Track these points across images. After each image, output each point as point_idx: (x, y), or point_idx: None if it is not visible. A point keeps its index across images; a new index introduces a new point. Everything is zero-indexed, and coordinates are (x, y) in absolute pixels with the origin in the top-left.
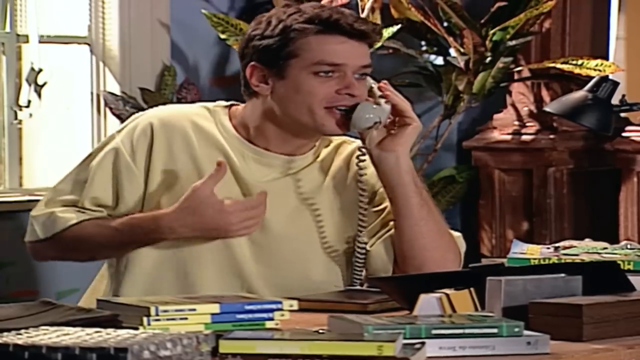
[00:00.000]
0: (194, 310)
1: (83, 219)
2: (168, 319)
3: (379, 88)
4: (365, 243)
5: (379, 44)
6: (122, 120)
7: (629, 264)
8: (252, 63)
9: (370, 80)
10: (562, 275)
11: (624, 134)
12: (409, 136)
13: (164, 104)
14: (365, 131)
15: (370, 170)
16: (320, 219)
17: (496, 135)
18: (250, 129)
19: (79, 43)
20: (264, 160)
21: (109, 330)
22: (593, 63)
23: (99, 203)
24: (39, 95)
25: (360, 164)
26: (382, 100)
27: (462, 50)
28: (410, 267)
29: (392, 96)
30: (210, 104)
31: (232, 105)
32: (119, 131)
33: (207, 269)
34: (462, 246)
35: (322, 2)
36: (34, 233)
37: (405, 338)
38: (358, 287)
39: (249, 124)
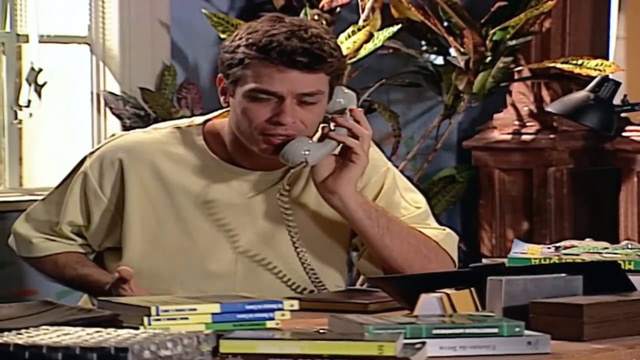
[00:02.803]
0: (195, 310)
1: (56, 251)
2: (169, 319)
3: (333, 120)
4: (310, 265)
5: (379, 44)
6: (122, 120)
7: (629, 264)
8: (219, 75)
9: (349, 100)
10: (563, 275)
11: (624, 134)
12: (353, 175)
13: (164, 104)
14: (294, 166)
15: None
16: (308, 226)
17: (496, 135)
18: (227, 144)
19: (79, 43)
20: (242, 178)
21: (110, 330)
22: (593, 63)
23: (75, 224)
24: (39, 95)
25: (281, 203)
26: (333, 134)
27: (462, 50)
28: None
29: (339, 136)
30: (183, 122)
31: (207, 121)
32: (91, 154)
33: (187, 291)
34: (453, 243)
35: (322, 4)
36: (17, 248)
37: (405, 338)
38: (358, 287)
39: (225, 136)
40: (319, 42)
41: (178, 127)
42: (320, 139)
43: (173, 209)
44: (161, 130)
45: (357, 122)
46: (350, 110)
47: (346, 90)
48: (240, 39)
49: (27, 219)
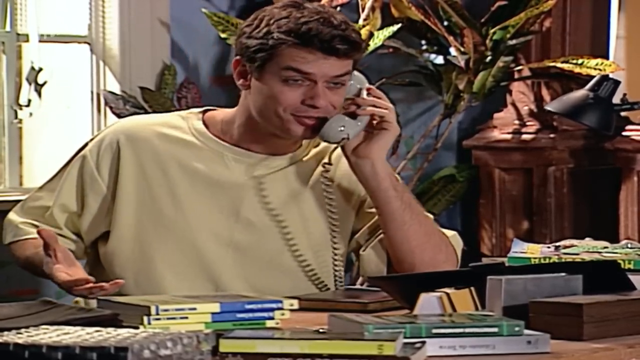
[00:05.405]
0: (195, 309)
1: (35, 236)
2: (168, 318)
3: (355, 100)
4: (338, 249)
5: (379, 43)
6: None
7: (629, 263)
8: (237, 57)
9: (362, 81)
10: (563, 274)
11: (624, 133)
12: (384, 142)
13: (164, 103)
14: (333, 144)
15: (354, 177)
16: (306, 214)
17: (496, 134)
18: (235, 128)
19: (79, 42)
20: (243, 160)
21: (109, 329)
22: (593, 62)
23: (67, 210)
24: (39, 95)
25: (323, 179)
26: (362, 111)
27: (462, 49)
28: (402, 269)
29: (369, 109)
30: (184, 112)
31: (206, 110)
32: (92, 139)
33: (176, 272)
34: (458, 244)
35: (323, 1)
36: (4, 236)
37: (405, 337)
38: (358, 287)
39: (235, 121)
40: (349, 28)
41: (179, 115)
42: (351, 116)
43: (169, 189)
44: (162, 116)
45: (378, 98)
46: (368, 89)
47: (356, 73)
48: (267, 25)
49: (21, 206)
